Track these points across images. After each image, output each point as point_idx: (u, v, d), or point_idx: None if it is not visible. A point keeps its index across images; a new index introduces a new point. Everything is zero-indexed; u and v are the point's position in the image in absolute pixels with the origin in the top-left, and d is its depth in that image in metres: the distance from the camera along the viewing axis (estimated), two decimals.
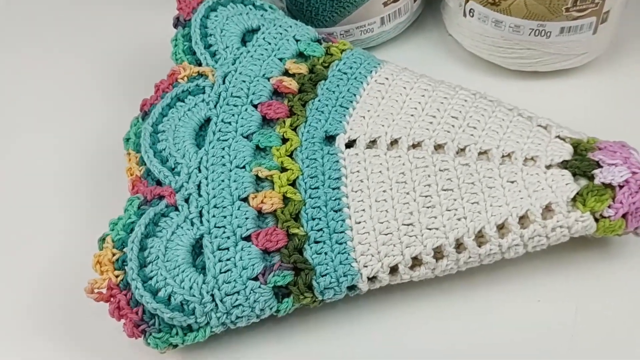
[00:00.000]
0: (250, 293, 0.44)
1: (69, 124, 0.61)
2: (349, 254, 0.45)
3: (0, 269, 0.52)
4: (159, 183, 0.49)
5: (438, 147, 0.50)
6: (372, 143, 0.51)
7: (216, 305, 0.43)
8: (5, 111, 0.64)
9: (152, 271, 0.44)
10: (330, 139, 0.51)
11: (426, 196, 0.47)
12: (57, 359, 0.47)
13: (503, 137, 0.50)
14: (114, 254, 0.45)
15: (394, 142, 0.50)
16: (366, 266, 0.45)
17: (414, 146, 0.50)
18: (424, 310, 0.48)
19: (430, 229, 0.46)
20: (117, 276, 0.44)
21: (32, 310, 0.49)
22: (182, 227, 0.46)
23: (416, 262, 0.46)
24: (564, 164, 0.48)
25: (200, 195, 0.47)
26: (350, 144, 0.51)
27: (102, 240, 0.46)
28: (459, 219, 0.46)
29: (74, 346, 0.47)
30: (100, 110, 0.60)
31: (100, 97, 0.63)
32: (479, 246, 0.46)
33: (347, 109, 0.52)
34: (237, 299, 0.44)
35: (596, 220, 0.46)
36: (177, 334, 0.44)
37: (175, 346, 0.44)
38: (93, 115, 0.62)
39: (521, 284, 0.49)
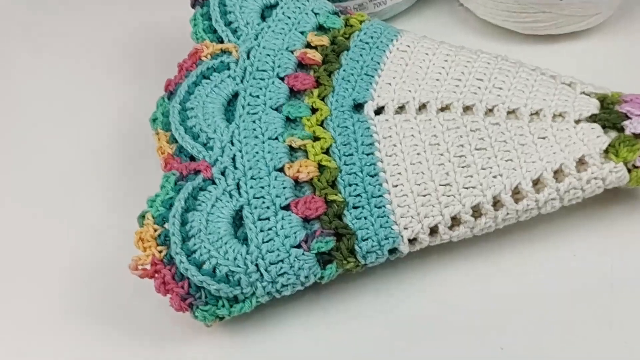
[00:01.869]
0: (294, 261, 0.44)
1: (89, 109, 0.61)
2: (388, 217, 0.45)
3: (39, 253, 0.52)
4: (192, 159, 0.48)
5: (467, 108, 0.50)
6: (401, 109, 0.51)
7: (261, 274, 0.43)
8: (27, 98, 0.63)
9: (195, 244, 0.44)
10: (358, 107, 0.51)
11: (460, 156, 0.47)
12: (101, 341, 0.46)
13: (530, 95, 0.50)
14: (155, 230, 0.44)
15: (423, 107, 0.51)
16: (406, 228, 0.46)
17: (442, 109, 0.50)
18: (462, 270, 0.48)
19: (467, 188, 0.46)
20: (160, 252, 0.44)
21: (72, 294, 0.49)
22: (221, 200, 0.46)
23: (455, 221, 0.46)
24: (593, 118, 0.48)
25: (236, 168, 0.47)
26: (379, 111, 0.51)
27: (142, 217, 0.46)
28: (494, 177, 0.46)
29: (116, 328, 0.47)
30: (120, 93, 0.60)
31: (121, 80, 0.63)
32: (516, 202, 0.46)
33: (373, 76, 0.52)
34: (281, 267, 0.44)
35: (629, 170, 0.46)
36: (223, 305, 0.44)
37: (222, 318, 0.44)
38: (114, 99, 0.61)
39: (556, 240, 0.49)
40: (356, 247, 0.45)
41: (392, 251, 0.46)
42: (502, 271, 0.48)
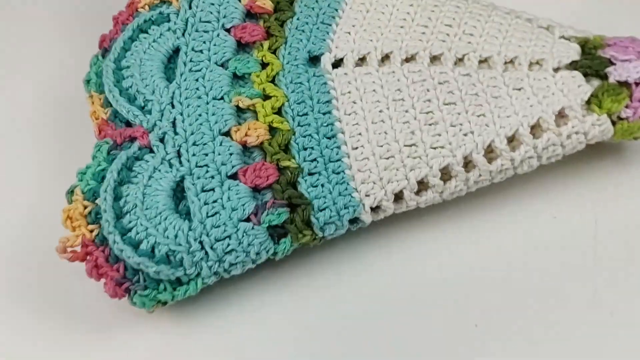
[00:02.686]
0: (243, 236, 0.39)
1: (21, 71, 0.55)
2: (348, 184, 0.41)
3: None
4: (128, 124, 0.43)
5: (434, 58, 0.45)
6: (362, 60, 0.46)
7: (206, 253, 0.39)
8: None
9: (130, 222, 0.39)
10: (314, 60, 0.46)
11: (427, 112, 0.42)
12: (34, 327, 0.42)
13: (503, 42, 0.45)
14: (85, 207, 0.40)
15: (386, 58, 0.46)
16: (368, 195, 0.41)
17: (407, 60, 0.45)
18: (433, 239, 0.44)
19: (435, 148, 0.41)
20: (91, 231, 0.39)
21: (2, 276, 0.44)
22: (159, 170, 0.41)
23: (422, 186, 0.42)
24: (573, 65, 0.43)
25: (176, 133, 0.42)
26: (337, 64, 0.46)
27: (71, 192, 0.41)
28: (465, 135, 0.42)
29: (52, 312, 0.42)
30: (54, 51, 0.54)
31: (54, 37, 0.56)
32: (490, 162, 0.42)
33: (330, 25, 0.47)
34: (229, 244, 0.39)
35: (613, 123, 0.42)
36: (165, 289, 0.39)
37: (165, 303, 0.40)
38: (47, 58, 0.55)
39: (534, 201, 0.45)
40: (312, 219, 0.40)
41: (353, 221, 0.42)
42: (475, 238, 0.44)
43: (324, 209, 0.40)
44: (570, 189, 0.45)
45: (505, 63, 0.44)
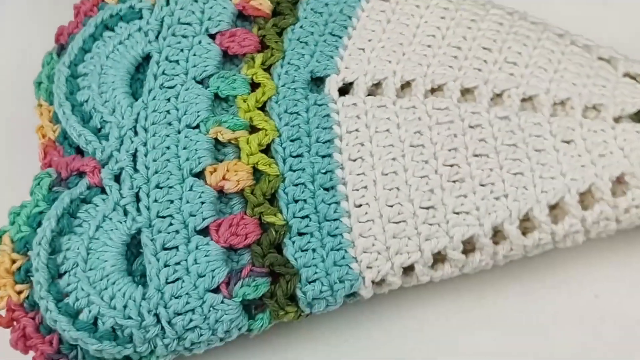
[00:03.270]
0: (209, 311, 0.32)
1: None
2: (346, 251, 0.33)
3: None
4: (79, 151, 0.35)
5: (466, 92, 0.37)
6: (376, 87, 0.37)
7: (162, 328, 0.32)
8: None
9: (69, 284, 0.32)
10: (317, 81, 0.37)
11: (452, 165, 0.34)
12: None
13: (554, 77, 0.36)
14: (13, 261, 0.32)
15: (406, 86, 0.37)
16: (370, 267, 0.33)
17: (433, 91, 0.37)
18: (449, 309, 0.36)
19: (458, 214, 0.34)
20: (19, 292, 0.32)
21: None
22: (110, 219, 0.33)
23: (439, 258, 0.34)
24: None
25: (136, 171, 0.34)
26: (345, 89, 0.37)
27: None
28: (497, 198, 0.34)
29: None
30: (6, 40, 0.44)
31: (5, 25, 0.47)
32: (525, 234, 0.34)
33: (340, 38, 0.38)
34: (191, 320, 0.32)
35: None
36: None
37: None
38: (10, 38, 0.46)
39: (574, 275, 0.37)
40: (299, 292, 0.33)
41: (351, 295, 0.33)
42: (501, 312, 0.36)
43: (314, 281, 0.33)
44: (617, 266, 0.37)
45: (554, 105, 0.36)
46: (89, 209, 0.33)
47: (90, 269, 0.32)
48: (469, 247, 0.34)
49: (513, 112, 0.35)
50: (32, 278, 0.32)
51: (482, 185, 0.34)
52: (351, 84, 0.37)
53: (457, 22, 0.38)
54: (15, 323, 0.31)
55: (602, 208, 0.33)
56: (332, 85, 0.37)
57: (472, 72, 0.37)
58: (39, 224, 0.32)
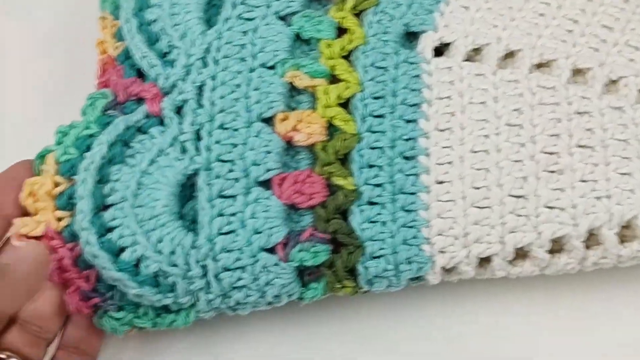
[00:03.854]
0: (261, 272, 0.28)
1: None
2: (419, 230, 0.29)
3: None
4: (140, 74, 0.32)
5: (577, 72, 0.32)
6: (475, 52, 0.33)
7: (208, 283, 0.28)
8: None
9: (114, 219, 0.28)
10: (411, 37, 0.33)
11: (551, 153, 0.30)
12: None
13: None
14: (56, 184, 0.29)
15: (509, 56, 0.33)
16: (443, 252, 0.30)
17: (539, 66, 0.32)
18: (506, 319, 0.33)
19: (551, 208, 0.30)
20: (59, 219, 0.28)
21: None
22: (167, 154, 0.29)
23: (520, 253, 0.30)
24: None
25: (200, 105, 0.30)
26: (440, 50, 0.33)
27: (41, 157, 0.30)
28: (598, 198, 0.30)
29: None
30: None
31: None
32: (622, 243, 0.30)
33: None
34: (240, 278, 0.29)
35: None
36: (145, 314, 0.29)
37: (142, 329, 0.30)
38: None
39: None
40: (360, 267, 0.29)
41: (415, 278, 0.30)
42: (569, 329, 0.32)
43: (379, 258, 0.29)
44: None
45: None
46: (145, 139, 0.30)
47: (140, 206, 0.28)
48: (555, 246, 0.30)
49: (628, 104, 0.31)
50: (74, 205, 0.29)
51: (583, 181, 0.30)
52: (448, 45, 0.33)
53: None
54: (52, 253, 0.28)
55: None
56: (427, 43, 0.33)
57: (587, 51, 0.32)
58: (88, 148, 0.29)
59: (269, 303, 0.30)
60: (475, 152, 0.30)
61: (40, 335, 0.28)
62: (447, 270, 0.30)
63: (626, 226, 0.30)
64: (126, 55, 0.32)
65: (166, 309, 0.29)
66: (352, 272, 0.30)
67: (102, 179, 0.29)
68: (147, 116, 0.30)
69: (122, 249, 0.28)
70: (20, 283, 0.28)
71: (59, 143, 0.30)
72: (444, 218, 0.30)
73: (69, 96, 0.33)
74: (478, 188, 0.30)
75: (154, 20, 0.32)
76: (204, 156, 0.29)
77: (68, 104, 0.32)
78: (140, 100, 0.30)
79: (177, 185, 0.29)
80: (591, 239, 0.30)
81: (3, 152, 0.36)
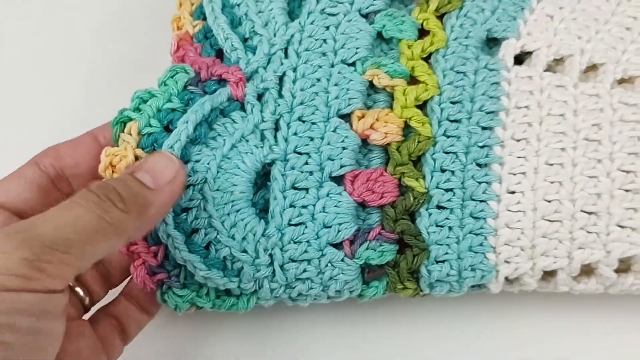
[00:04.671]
0: (326, 266, 0.29)
1: None
2: (485, 238, 0.30)
3: None
4: (220, 55, 0.32)
5: None
6: (557, 63, 0.32)
7: (274, 271, 0.29)
8: None
9: (191, 200, 0.29)
10: (492, 43, 0.33)
11: (628, 172, 0.30)
12: None
13: None
14: (137, 158, 0.29)
15: (592, 69, 0.32)
16: (508, 262, 0.30)
17: (622, 81, 0.32)
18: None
19: (623, 227, 0.29)
20: None
21: None
22: (247, 141, 0.30)
23: (586, 269, 0.30)
24: None
25: (280, 95, 0.31)
26: (521, 58, 0.32)
27: (121, 124, 0.30)
28: None
29: None
30: None
31: None
32: None
33: None
34: (305, 270, 0.29)
35: None
36: (207, 294, 0.30)
37: (201, 308, 0.30)
38: None
39: None
40: (423, 270, 0.29)
41: (476, 286, 0.30)
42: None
43: (443, 262, 0.29)
44: None
45: None
46: (226, 123, 0.30)
47: (218, 189, 0.29)
48: (622, 265, 0.30)
49: None
50: None
51: None
52: (529, 53, 0.32)
53: None
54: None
55: None
56: (508, 50, 0.32)
57: None
58: (170, 122, 0.30)
59: (329, 297, 0.30)
60: (550, 164, 0.30)
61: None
62: (509, 281, 0.30)
63: None
64: (205, 35, 0.33)
65: (227, 292, 0.30)
66: (414, 274, 0.30)
67: (182, 158, 0.29)
68: (229, 99, 0.30)
69: (195, 230, 0.29)
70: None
71: (135, 109, 0.30)
72: (512, 228, 0.29)
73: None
74: (550, 201, 0.29)
75: (238, 4, 0.33)
76: (282, 147, 0.30)
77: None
78: (221, 81, 0.31)
79: (255, 172, 0.30)
80: None
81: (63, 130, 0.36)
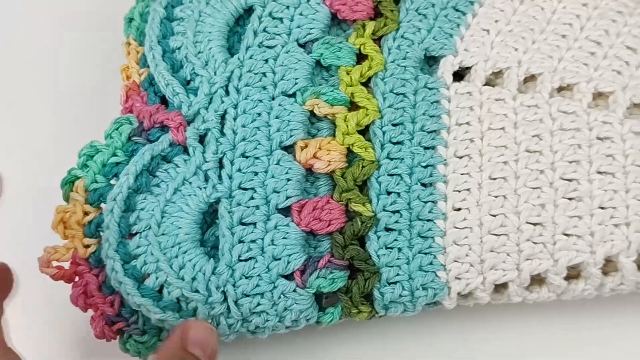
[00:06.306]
0: (279, 298, 0.29)
1: None
2: (435, 257, 0.30)
3: None
4: (164, 101, 0.32)
5: (598, 96, 0.32)
6: (496, 76, 0.33)
7: (228, 308, 0.29)
8: None
9: (139, 247, 0.30)
10: (431, 61, 0.33)
11: (571, 180, 0.30)
12: None
13: None
14: (86, 213, 0.30)
15: (530, 79, 0.33)
16: (459, 278, 0.30)
17: (560, 90, 0.32)
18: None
19: (568, 236, 0.30)
20: (86, 246, 0.30)
21: None
22: (190, 183, 0.30)
23: (537, 279, 0.30)
24: None
25: (222, 134, 0.31)
26: (461, 74, 0.33)
27: (69, 184, 0.31)
28: (616, 226, 0.30)
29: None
30: None
31: None
32: None
33: (464, 15, 0.34)
34: (259, 304, 0.29)
35: None
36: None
37: None
38: None
39: None
40: (376, 293, 0.30)
41: (431, 303, 0.31)
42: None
43: (395, 284, 0.30)
44: None
45: None
46: (169, 168, 0.31)
47: (163, 234, 0.30)
48: (573, 272, 0.30)
49: None
50: (101, 233, 0.30)
51: (602, 208, 0.30)
52: (468, 69, 0.33)
53: (600, 12, 0.34)
54: (78, 278, 0.30)
55: None
56: (446, 67, 0.33)
57: (609, 74, 0.32)
58: (115, 175, 0.31)
59: (287, 327, 0.30)
60: (494, 179, 0.30)
61: None
62: (462, 296, 0.30)
63: None
64: (150, 82, 0.33)
65: None
66: (368, 298, 0.30)
67: (128, 208, 0.30)
68: (171, 144, 0.31)
69: (146, 276, 0.29)
70: None
71: (82, 165, 0.31)
72: (460, 245, 0.30)
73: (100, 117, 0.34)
74: (495, 215, 0.30)
75: (178, 48, 0.33)
76: (226, 184, 0.30)
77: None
78: (164, 127, 0.31)
79: (200, 213, 0.30)
80: (609, 265, 0.30)
81: (33, 174, 0.37)
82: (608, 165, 0.30)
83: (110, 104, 0.34)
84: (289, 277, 0.30)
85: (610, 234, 0.29)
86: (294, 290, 0.29)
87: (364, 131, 0.32)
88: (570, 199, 0.30)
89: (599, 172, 0.30)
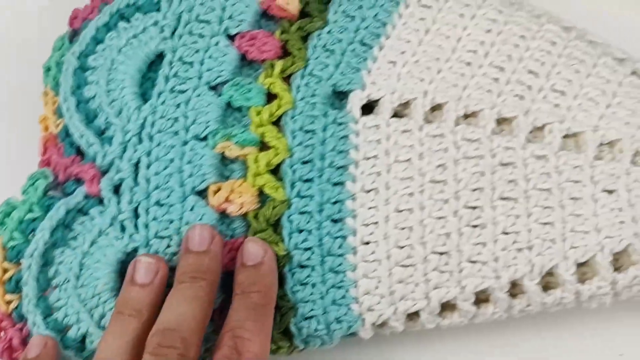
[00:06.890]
0: None
1: None
2: (347, 291, 0.31)
3: None
4: (79, 152, 0.33)
5: (502, 122, 0.33)
6: (403, 108, 0.34)
7: None
8: None
9: (59, 300, 0.31)
10: (341, 96, 0.34)
11: (474, 208, 0.31)
12: None
13: (605, 112, 0.32)
14: (5, 270, 0.31)
15: (437, 108, 0.33)
16: (372, 310, 0.31)
17: (466, 117, 0.33)
18: None
19: (473, 262, 0.31)
20: (8, 302, 0.31)
21: None
22: (106, 234, 0.31)
23: (448, 305, 0.31)
24: None
25: (136, 183, 0.32)
26: (369, 108, 0.34)
27: None
28: (519, 250, 0.31)
29: None
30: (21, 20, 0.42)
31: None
32: (545, 291, 0.31)
33: (371, 48, 0.34)
34: None
35: None
36: None
37: None
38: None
39: (599, 333, 0.34)
40: (293, 328, 0.31)
41: (349, 334, 0.32)
42: None
43: (310, 318, 0.31)
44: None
45: (601, 145, 0.32)
46: (85, 221, 0.32)
47: (82, 286, 0.30)
48: (482, 296, 0.31)
49: (552, 152, 0.32)
50: (22, 287, 0.31)
51: (505, 233, 0.31)
52: (377, 101, 0.34)
53: (503, 37, 0.34)
54: (2, 333, 0.31)
55: (638, 273, 0.30)
56: (355, 102, 0.33)
57: (512, 99, 0.33)
58: (32, 231, 0.31)
59: None
60: (400, 211, 0.31)
61: None
62: (378, 326, 0.32)
63: (549, 274, 0.31)
64: (66, 133, 0.34)
65: None
66: (285, 334, 0.31)
67: (46, 262, 0.31)
68: (86, 197, 0.32)
69: (68, 327, 0.30)
70: None
71: (2, 225, 0.32)
72: (370, 278, 0.31)
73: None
74: (402, 247, 0.31)
75: (92, 97, 0.34)
76: (142, 234, 0.31)
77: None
78: (80, 180, 0.32)
79: (118, 263, 0.31)
80: (515, 288, 0.31)
81: None
82: (510, 191, 0.31)
83: None
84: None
85: (514, 258, 0.30)
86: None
87: (276, 170, 0.32)
88: (474, 226, 0.31)
89: (502, 198, 0.31)
